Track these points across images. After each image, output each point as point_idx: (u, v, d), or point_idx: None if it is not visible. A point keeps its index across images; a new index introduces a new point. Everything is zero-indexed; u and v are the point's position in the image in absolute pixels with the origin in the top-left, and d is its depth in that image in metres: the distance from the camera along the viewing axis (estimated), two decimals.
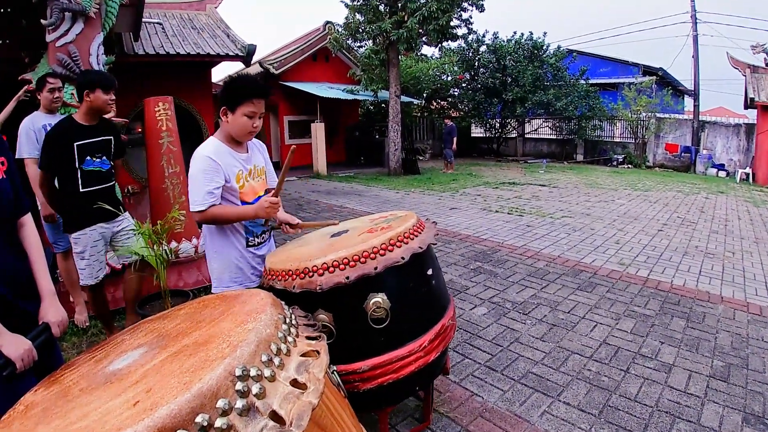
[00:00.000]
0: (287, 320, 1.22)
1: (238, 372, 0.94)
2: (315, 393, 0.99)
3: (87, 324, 4.05)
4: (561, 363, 3.53)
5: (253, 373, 0.96)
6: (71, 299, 4.12)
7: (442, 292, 2.50)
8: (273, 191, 2.53)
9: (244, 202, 2.55)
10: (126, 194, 4.56)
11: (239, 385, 0.92)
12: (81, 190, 3.38)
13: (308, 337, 1.23)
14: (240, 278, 2.60)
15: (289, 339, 1.13)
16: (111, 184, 3.60)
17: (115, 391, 1.04)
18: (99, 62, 4.74)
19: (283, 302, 1.39)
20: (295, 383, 1.01)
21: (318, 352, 1.15)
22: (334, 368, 1.48)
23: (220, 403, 0.89)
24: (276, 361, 1.03)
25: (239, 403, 0.91)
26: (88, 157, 3.37)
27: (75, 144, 3.29)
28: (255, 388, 0.94)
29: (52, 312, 1.81)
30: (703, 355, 3.67)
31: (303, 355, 1.11)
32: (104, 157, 3.49)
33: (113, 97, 3.37)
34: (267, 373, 0.99)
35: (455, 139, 16.05)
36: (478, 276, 5.41)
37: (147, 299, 4.00)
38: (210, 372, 0.93)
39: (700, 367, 3.50)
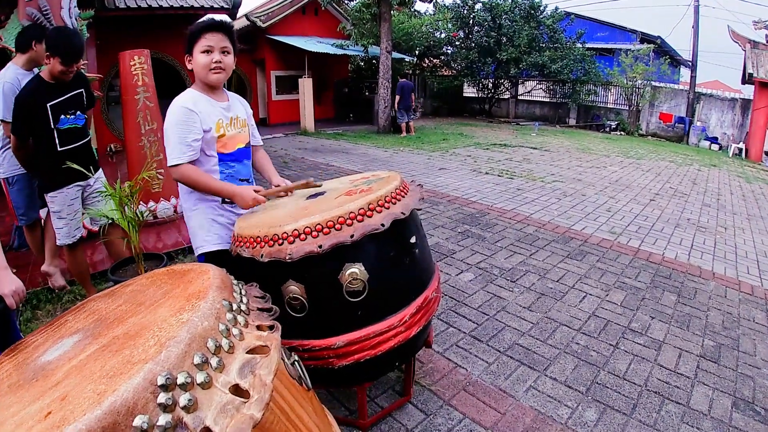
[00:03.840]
0: (234, 306, 1.03)
1: (161, 380, 0.76)
2: (259, 403, 0.81)
3: (66, 288, 3.86)
4: (548, 335, 3.42)
5: (181, 380, 0.78)
6: (43, 268, 3.90)
7: (426, 261, 2.32)
8: (266, 192, 2.36)
9: (221, 154, 2.37)
10: (108, 153, 4.34)
11: (162, 397, 0.75)
12: (59, 149, 3.28)
13: (260, 327, 1.04)
14: (211, 238, 2.42)
15: (234, 332, 0.94)
16: (87, 139, 3.52)
17: (36, 393, 0.91)
18: (71, 15, 4.45)
19: (234, 281, 1.20)
20: (236, 390, 0.83)
21: (269, 347, 0.96)
22: (296, 358, 1.30)
23: (138, 421, 0.72)
24: (213, 362, 0.85)
25: (162, 420, 0.73)
26: (63, 116, 3.26)
27: (48, 105, 3.16)
28: (183, 400, 0.77)
29: (3, 283, 1.71)
30: (694, 333, 3.57)
31: (251, 351, 0.93)
32: (78, 112, 3.38)
33: (74, 69, 3.18)
34: (200, 378, 0.81)
35: (398, 97, 14.99)
36: (466, 240, 5.26)
37: (120, 263, 3.83)
38: (126, 381, 0.76)
39: (691, 345, 3.40)
